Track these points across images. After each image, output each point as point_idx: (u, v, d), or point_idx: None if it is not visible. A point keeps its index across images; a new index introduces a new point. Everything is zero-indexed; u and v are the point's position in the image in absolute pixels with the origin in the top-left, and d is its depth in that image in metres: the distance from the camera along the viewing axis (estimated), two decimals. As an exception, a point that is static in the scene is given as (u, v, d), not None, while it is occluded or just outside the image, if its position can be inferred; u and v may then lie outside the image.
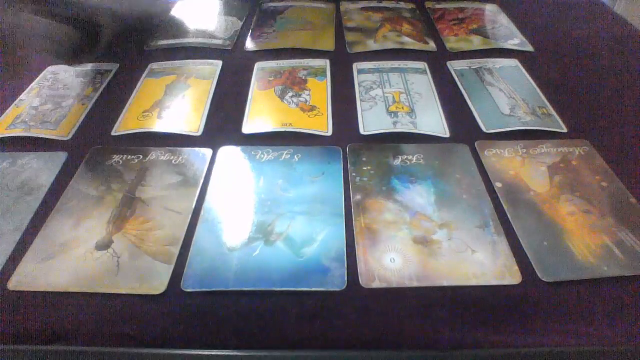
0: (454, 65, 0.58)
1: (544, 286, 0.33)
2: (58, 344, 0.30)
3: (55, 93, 0.53)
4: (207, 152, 0.45)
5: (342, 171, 0.42)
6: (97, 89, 0.54)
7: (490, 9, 0.73)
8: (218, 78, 0.55)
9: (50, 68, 0.57)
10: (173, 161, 0.44)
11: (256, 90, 0.53)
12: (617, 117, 0.50)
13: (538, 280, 0.33)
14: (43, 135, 0.46)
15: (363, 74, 0.56)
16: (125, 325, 0.31)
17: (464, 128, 0.48)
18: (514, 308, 0.32)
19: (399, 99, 0.51)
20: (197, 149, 0.45)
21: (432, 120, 0.49)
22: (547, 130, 0.47)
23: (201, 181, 0.41)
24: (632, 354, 0.30)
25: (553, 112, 0.49)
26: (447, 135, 0.47)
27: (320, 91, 0.53)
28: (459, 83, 0.55)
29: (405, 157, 0.44)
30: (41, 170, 0.43)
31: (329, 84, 0.54)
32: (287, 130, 0.47)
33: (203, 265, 0.34)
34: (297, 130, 0.47)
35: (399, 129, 0.47)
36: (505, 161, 0.43)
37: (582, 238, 0.36)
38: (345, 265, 0.34)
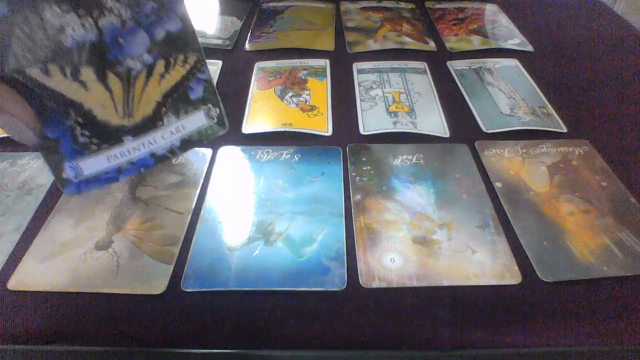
0: (454, 65, 0.58)
1: (544, 286, 0.33)
2: (58, 344, 0.30)
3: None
4: (207, 152, 0.45)
5: (342, 171, 0.42)
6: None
7: (490, 9, 0.73)
8: (218, 78, 0.55)
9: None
10: (173, 161, 0.44)
11: (256, 90, 0.53)
12: (617, 117, 0.50)
13: (538, 280, 0.33)
14: (43, 135, 0.46)
15: (363, 74, 0.56)
16: (125, 325, 0.31)
17: (464, 128, 0.48)
18: (514, 308, 0.32)
19: (399, 99, 0.51)
20: (197, 149, 0.45)
21: (432, 120, 0.49)
22: (547, 130, 0.47)
23: (201, 181, 0.41)
24: (632, 354, 0.30)
25: (553, 112, 0.49)
26: (447, 135, 0.47)
27: (320, 91, 0.53)
28: (459, 83, 0.55)
29: (405, 157, 0.44)
30: (41, 170, 0.43)
31: (329, 84, 0.54)
32: (287, 130, 0.47)
33: (203, 265, 0.34)
34: (297, 130, 0.47)
35: (399, 129, 0.47)
36: (505, 161, 0.43)
37: (582, 238, 0.36)
38: (345, 265, 0.34)
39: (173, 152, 0.32)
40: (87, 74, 0.27)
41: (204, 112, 0.32)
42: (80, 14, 0.26)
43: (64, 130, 0.28)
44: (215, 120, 0.33)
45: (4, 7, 0.24)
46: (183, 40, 0.30)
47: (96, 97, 0.28)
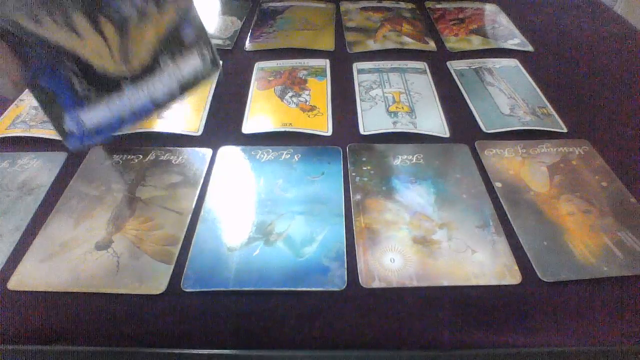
0: (454, 65, 0.58)
1: (544, 286, 0.33)
2: (58, 344, 0.30)
3: (55, 93, 0.53)
4: (207, 152, 0.45)
5: (342, 171, 0.42)
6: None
7: (490, 9, 0.73)
8: (218, 78, 0.55)
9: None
10: (173, 161, 0.44)
11: (256, 90, 0.53)
12: (617, 117, 0.50)
13: (538, 280, 0.33)
14: (43, 135, 0.46)
15: (363, 74, 0.56)
16: (125, 325, 0.31)
17: (464, 128, 0.48)
18: (514, 308, 0.32)
19: (399, 99, 0.51)
20: (197, 149, 0.45)
21: (432, 120, 0.49)
22: (547, 130, 0.47)
23: (201, 181, 0.41)
24: (632, 354, 0.30)
25: (553, 112, 0.49)
26: (447, 135, 0.47)
27: (320, 91, 0.53)
28: (459, 83, 0.55)
29: (405, 157, 0.44)
30: (41, 170, 0.43)
31: (329, 84, 0.54)
32: (287, 130, 0.47)
33: (203, 265, 0.34)
34: (297, 130, 0.47)
35: (399, 129, 0.47)
36: (505, 161, 0.43)
37: (582, 238, 0.36)
38: (345, 265, 0.34)
39: (172, 96, 0.32)
40: (80, 20, 0.27)
41: (197, 52, 0.32)
42: None
43: (60, 81, 0.27)
44: (208, 59, 0.33)
45: None
46: None
47: (91, 46, 0.28)
